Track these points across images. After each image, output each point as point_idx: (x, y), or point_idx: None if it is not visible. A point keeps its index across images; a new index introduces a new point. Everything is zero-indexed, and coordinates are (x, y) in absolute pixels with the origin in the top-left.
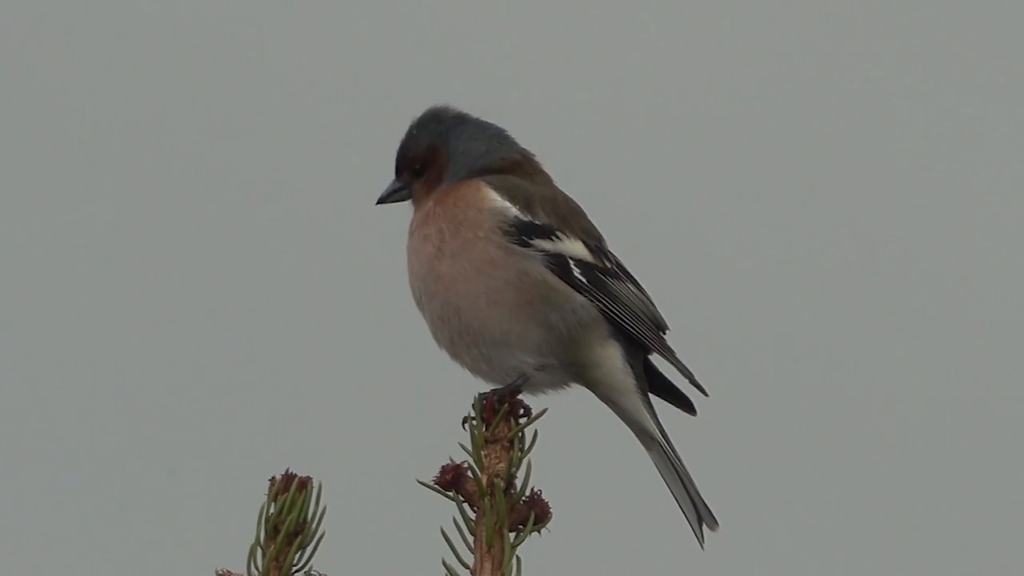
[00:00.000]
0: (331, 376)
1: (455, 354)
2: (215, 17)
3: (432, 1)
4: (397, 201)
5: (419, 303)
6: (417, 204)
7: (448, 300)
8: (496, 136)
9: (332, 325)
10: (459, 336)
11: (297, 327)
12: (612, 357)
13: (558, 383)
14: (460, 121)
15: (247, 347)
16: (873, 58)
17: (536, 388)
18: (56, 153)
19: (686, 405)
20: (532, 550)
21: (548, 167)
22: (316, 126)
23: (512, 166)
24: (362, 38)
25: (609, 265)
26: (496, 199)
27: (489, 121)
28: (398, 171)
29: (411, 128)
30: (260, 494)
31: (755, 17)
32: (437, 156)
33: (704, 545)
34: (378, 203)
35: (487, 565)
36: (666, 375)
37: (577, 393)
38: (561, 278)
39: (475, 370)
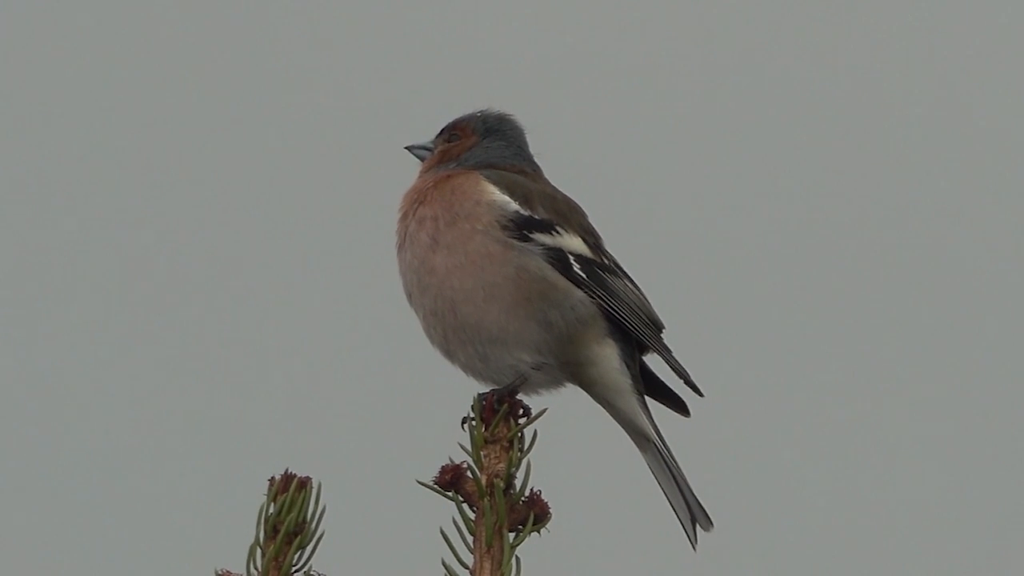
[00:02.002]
0: (331, 376)
1: (448, 352)
2: (219, 14)
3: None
4: (418, 156)
5: (410, 297)
6: (423, 170)
7: (442, 294)
8: (521, 158)
9: (332, 325)
10: (454, 333)
11: (297, 327)
12: (608, 356)
13: (554, 383)
14: (512, 139)
15: (247, 347)
16: (866, 44)
17: (532, 388)
18: (54, 153)
19: (680, 407)
20: (532, 550)
21: (546, 168)
22: (312, 124)
23: (515, 171)
24: (360, 30)
25: (607, 262)
26: (495, 192)
27: (533, 157)
28: (440, 133)
29: (480, 110)
30: (260, 494)
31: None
32: (469, 140)
33: (696, 547)
34: (406, 147)
35: (486, 565)
36: (660, 377)
37: (576, 394)
38: (560, 273)
39: (469, 369)
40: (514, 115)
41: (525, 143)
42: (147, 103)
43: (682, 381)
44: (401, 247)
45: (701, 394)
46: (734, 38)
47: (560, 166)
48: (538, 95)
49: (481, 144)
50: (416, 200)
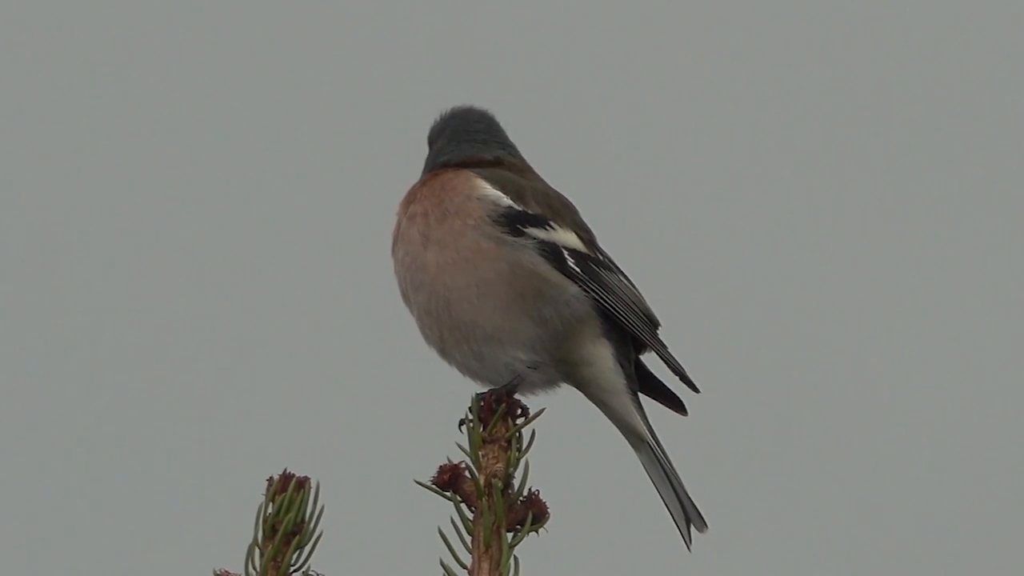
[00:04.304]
0: (329, 376)
1: (444, 351)
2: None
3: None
4: None
5: (405, 296)
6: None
7: (436, 292)
8: (478, 141)
9: (330, 324)
10: (449, 332)
11: (295, 326)
12: (603, 356)
13: (550, 383)
14: (466, 123)
15: (246, 346)
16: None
17: (529, 388)
18: (50, 152)
19: (677, 405)
20: (530, 550)
21: (539, 167)
22: (311, 122)
23: (490, 163)
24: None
25: (601, 257)
26: (487, 187)
27: (500, 131)
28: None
29: (439, 116)
30: (258, 494)
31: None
32: (432, 146)
33: (691, 547)
34: None
35: (485, 565)
36: (657, 375)
37: (573, 394)
38: (555, 268)
39: (465, 368)
40: (465, 105)
41: (478, 127)
42: (144, 104)
43: (678, 378)
44: (394, 246)
45: (697, 390)
46: (728, 29)
47: (552, 163)
48: (534, 93)
49: (437, 145)
50: (407, 200)
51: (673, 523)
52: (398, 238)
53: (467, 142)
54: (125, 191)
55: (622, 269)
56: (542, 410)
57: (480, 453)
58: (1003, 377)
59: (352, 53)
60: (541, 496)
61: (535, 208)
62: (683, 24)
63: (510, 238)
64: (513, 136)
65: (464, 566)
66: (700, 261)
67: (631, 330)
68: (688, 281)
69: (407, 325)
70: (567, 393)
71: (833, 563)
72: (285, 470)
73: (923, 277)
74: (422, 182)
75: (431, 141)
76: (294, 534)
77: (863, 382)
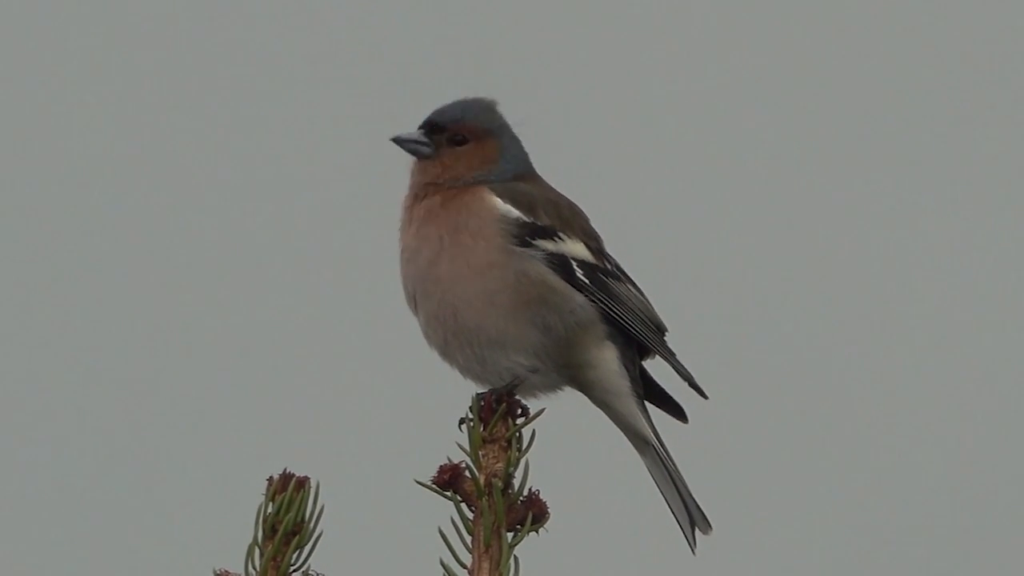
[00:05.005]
0: (329, 376)
1: (446, 354)
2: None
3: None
4: (411, 152)
5: (411, 300)
6: (426, 174)
7: (445, 300)
8: (523, 158)
9: (330, 324)
10: (454, 336)
11: (295, 326)
12: (608, 359)
13: (551, 386)
14: (507, 127)
15: (245, 346)
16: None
17: (529, 391)
18: (46, 151)
19: (678, 413)
20: (530, 550)
21: (545, 170)
22: (311, 120)
23: (527, 177)
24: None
25: (609, 266)
26: (500, 205)
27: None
28: (432, 128)
29: (471, 101)
30: (258, 493)
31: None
32: (486, 143)
33: (695, 550)
34: (393, 140)
35: (485, 565)
36: (659, 382)
37: (575, 394)
38: (562, 278)
39: (466, 371)
40: (495, 99)
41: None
42: (144, 106)
43: (686, 384)
44: (406, 259)
45: (706, 396)
46: (732, 35)
47: (562, 167)
48: (537, 93)
49: (503, 146)
50: (424, 218)
51: (677, 525)
52: (409, 252)
53: (527, 162)
54: (131, 192)
55: (630, 276)
56: (542, 410)
57: (480, 453)
58: (1007, 380)
59: (355, 53)
60: (541, 496)
61: (545, 219)
62: (686, 23)
63: (518, 249)
64: (519, 136)
65: (464, 566)
66: (704, 264)
67: (639, 338)
68: (694, 285)
69: (408, 325)
70: (568, 393)
71: (836, 566)
72: (285, 470)
73: (935, 282)
74: (442, 201)
75: (474, 131)
76: (294, 534)
77: (870, 385)
